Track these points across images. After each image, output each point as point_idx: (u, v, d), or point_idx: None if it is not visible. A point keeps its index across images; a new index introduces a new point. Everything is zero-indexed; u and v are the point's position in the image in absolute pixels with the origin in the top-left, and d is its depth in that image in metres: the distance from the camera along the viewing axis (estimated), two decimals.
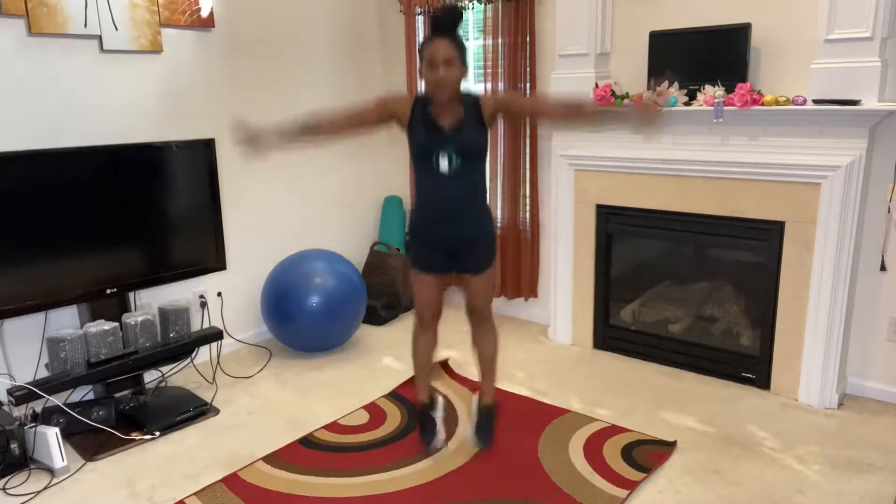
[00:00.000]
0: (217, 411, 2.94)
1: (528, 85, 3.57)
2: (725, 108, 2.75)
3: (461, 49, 2.15)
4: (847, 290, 2.73)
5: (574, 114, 2.25)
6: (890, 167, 2.69)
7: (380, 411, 2.89)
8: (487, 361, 2.58)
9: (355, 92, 4.07)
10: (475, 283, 2.41)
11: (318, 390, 3.13)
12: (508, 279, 3.89)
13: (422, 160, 2.26)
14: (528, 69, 3.56)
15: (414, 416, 2.81)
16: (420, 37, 3.96)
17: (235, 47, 3.42)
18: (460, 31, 2.19)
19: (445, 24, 2.15)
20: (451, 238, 2.33)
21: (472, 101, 2.23)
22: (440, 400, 2.70)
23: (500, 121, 3.59)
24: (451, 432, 2.69)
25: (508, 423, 2.75)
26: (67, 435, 2.68)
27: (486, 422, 2.58)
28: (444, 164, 2.22)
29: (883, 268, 2.75)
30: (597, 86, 3.18)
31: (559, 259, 3.55)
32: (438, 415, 2.63)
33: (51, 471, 2.47)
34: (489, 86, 3.68)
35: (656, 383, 3.12)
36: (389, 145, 4.34)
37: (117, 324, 2.79)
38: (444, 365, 3.33)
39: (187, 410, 2.87)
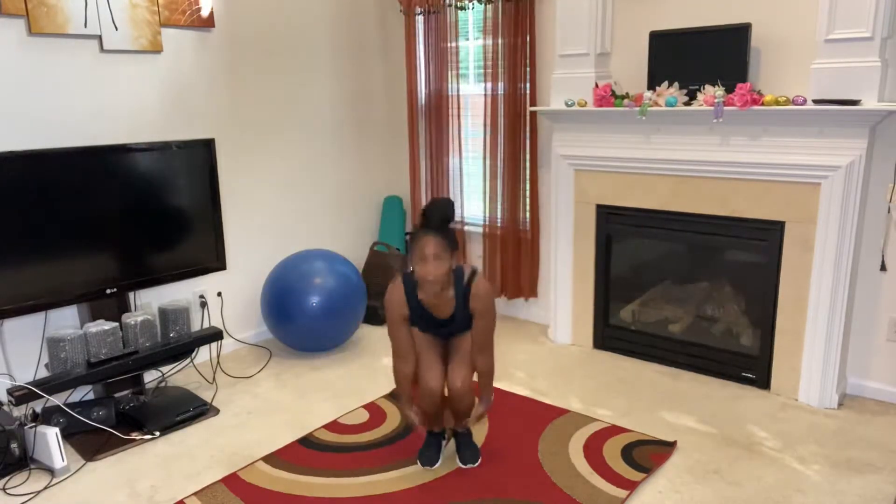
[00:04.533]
0: (217, 411, 2.94)
1: (527, 85, 3.58)
2: (725, 108, 2.75)
3: (450, 242, 2.21)
4: (847, 290, 2.73)
5: (478, 374, 2.38)
6: (890, 167, 2.69)
7: (380, 411, 2.89)
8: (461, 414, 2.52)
9: (355, 92, 4.07)
10: (460, 342, 2.40)
11: (318, 390, 3.13)
12: (508, 279, 3.89)
13: (420, 327, 2.42)
14: (528, 69, 3.56)
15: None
16: (420, 37, 3.97)
17: (235, 47, 3.42)
18: (450, 227, 2.26)
19: (435, 223, 2.20)
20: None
21: (464, 290, 2.28)
22: (449, 432, 2.62)
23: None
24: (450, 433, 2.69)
25: (508, 423, 2.75)
26: (67, 435, 2.68)
27: (466, 442, 2.53)
28: (442, 331, 2.41)
29: (883, 268, 2.75)
30: (597, 86, 3.18)
31: (559, 259, 3.55)
32: (444, 444, 2.57)
33: (51, 471, 2.47)
34: (489, 85, 3.69)
35: (656, 383, 3.12)
36: (389, 145, 4.35)
37: (117, 324, 2.79)
38: None
39: (187, 410, 2.87)
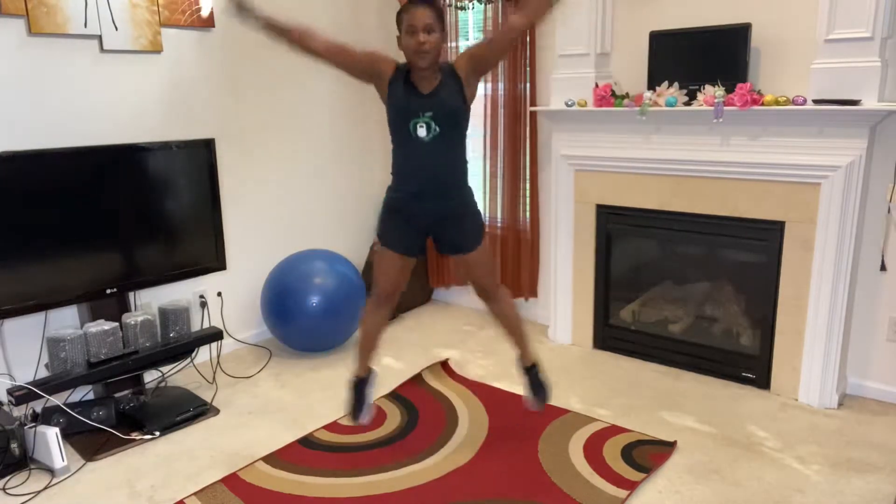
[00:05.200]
0: (217, 411, 2.94)
1: (527, 85, 3.58)
2: (725, 108, 2.75)
3: (440, 16, 2.12)
4: (847, 290, 2.73)
5: (522, 25, 2.15)
6: (890, 167, 2.69)
7: (380, 411, 2.89)
8: (513, 329, 2.52)
9: (355, 92, 4.07)
10: (473, 260, 2.35)
11: (318, 390, 3.13)
12: (508, 279, 3.90)
13: (399, 126, 2.22)
14: (528, 69, 3.56)
15: (413, 416, 2.82)
16: None
17: (235, 47, 3.42)
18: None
19: None
20: (431, 214, 2.29)
21: (448, 67, 2.20)
22: (375, 374, 2.65)
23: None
24: (450, 432, 2.69)
25: (508, 423, 2.75)
26: (67, 435, 2.68)
27: (536, 381, 2.57)
28: (422, 130, 2.16)
29: (883, 268, 2.75)
30: (597, 86, 3.18)
31: (559, 259, 3.56)
32: (371, 389, 2.60)
33: (51, 471, 2.47)
34: (489, 86, 3.69)
35: (656, 383, 3.12)
36: (389, 145, 4.34)
37: (117, 324, 2.79)
38: (445, 365, 3.33)
39: (187, 410, 2.87)
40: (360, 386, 2.58)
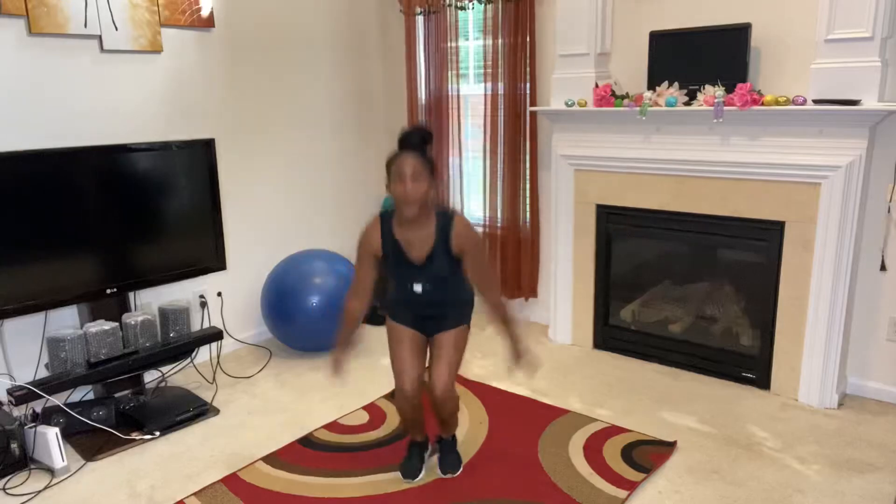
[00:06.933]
0: (217, 411, 2.94)
1: (527, 85, 3.58)
2: (725, 108, 2.75)
3: (429, 164, 2.15)
4: (847, 290, 2.73)
5: (493, 309, 2.28)
6: (890, 167, 2.69)
7: (379, 411, 2.89)
8: (443, 418, 2.42)
9: (355, 92, 4.08)
10: (442, 340, 2.31)
11: (318, 390, 3.13)
12: (508, 279, 3.89)
13: (395, 277, 2.30)
14: (528, 69, 3.56)
15: None
16: (420, 37, 3.97)
17: (235, 47, 3.42)
18: (428, 150, 2.18)
19: (415, 141, 2.14)
20: (427, 318, 2.34)
21: (444, 225, 2.19)
22: (431, 445, 2.54)
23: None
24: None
25: (508, 423, 2.75)
26: (67, 435, 2.68)
27: (449, 449, 2.47)
28: (417, 287, 2.26)
29: (883, 268, 2.75)
30: (597, 86, 3.18)
31: (559, 259, 3.56)
32: (427, 454, 2.50)
33: (51, 471, 2.47)
34: (489, 86, 3.69)
35: (656, 383, 3.12)
36: (389, 145, 4.35)
37: (117, 324, 2.79)
38: None
39: (187, 410, 2.87)
40: (416, 449, 2.47)
